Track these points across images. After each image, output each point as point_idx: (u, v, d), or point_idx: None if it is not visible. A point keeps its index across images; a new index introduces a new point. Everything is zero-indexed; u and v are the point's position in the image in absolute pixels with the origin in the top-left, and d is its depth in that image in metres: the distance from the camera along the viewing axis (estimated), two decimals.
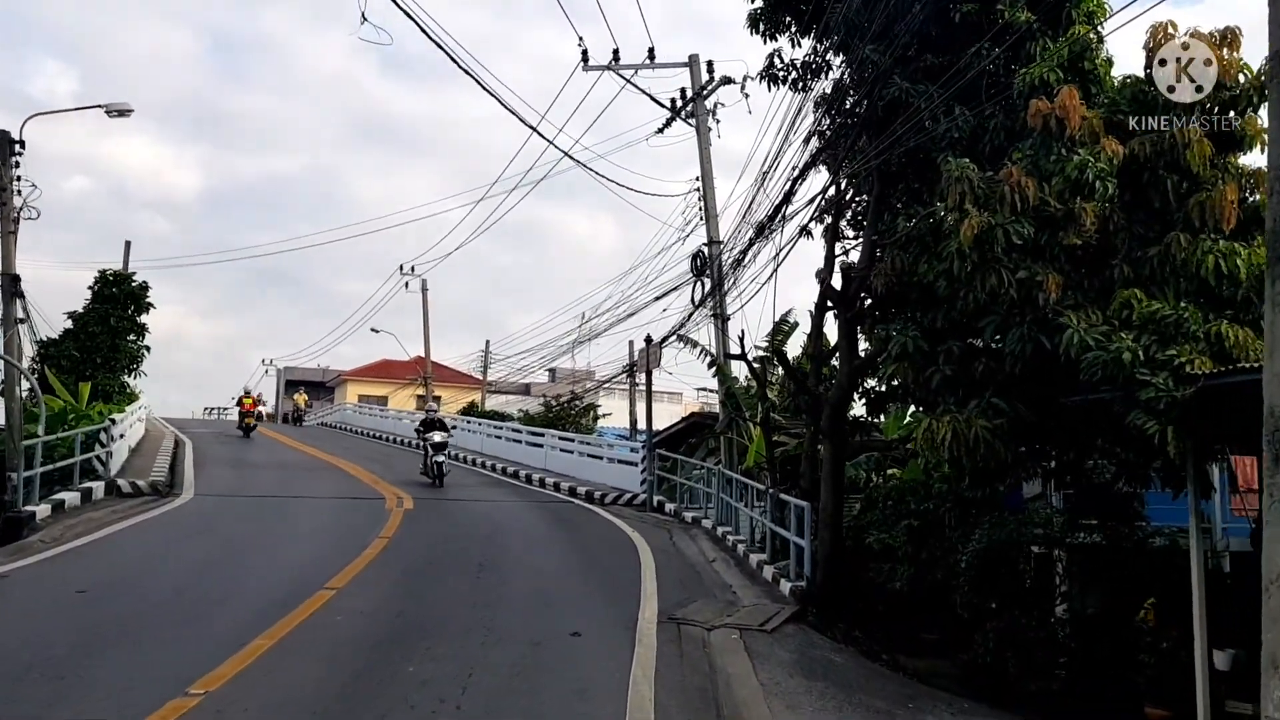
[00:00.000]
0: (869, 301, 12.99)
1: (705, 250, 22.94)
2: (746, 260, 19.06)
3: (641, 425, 35.35)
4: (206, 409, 66.88)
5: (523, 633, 9.43)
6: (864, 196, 13.80)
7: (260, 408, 39.63)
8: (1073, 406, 11.18)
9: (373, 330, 51.56)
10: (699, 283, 22.75)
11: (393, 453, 33.41)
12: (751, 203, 17.58)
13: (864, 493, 17.14)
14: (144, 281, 27.08)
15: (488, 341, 53.51)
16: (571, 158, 36.15)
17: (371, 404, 53.89)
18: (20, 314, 17.35)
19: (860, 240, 13.76)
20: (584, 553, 14.79)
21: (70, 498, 16.47)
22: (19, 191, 17.23)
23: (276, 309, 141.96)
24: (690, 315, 21.05)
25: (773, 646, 9.86)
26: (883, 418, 17.74)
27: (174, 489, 19.29)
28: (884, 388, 14.38)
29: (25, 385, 17.52)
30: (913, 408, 14.96)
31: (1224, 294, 9.51)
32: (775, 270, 15.50)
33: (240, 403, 34.38)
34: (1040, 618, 12.23)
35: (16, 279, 17.29)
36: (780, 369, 20.38)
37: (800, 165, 14.21)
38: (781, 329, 23.19)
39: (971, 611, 12.43)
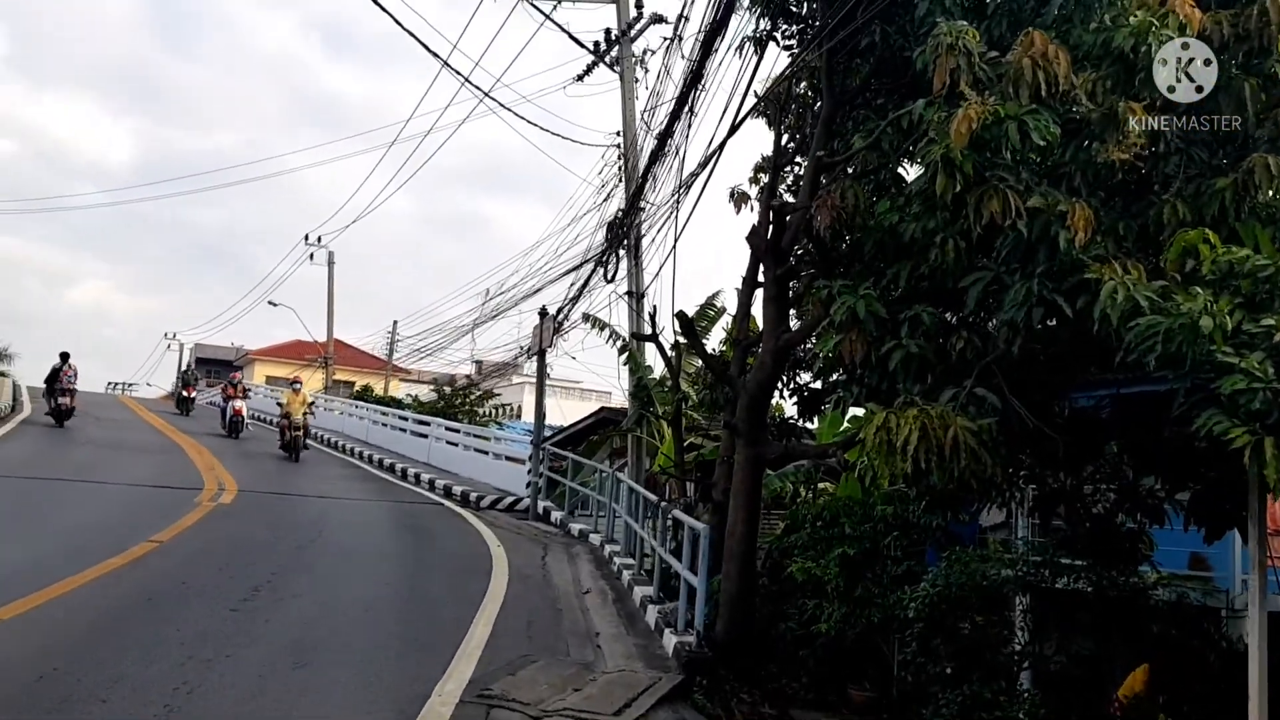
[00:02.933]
0: (806, 251, 9.67)
1: (622, 216, 19.53)
2: (666, 226, 15.71)
3: (549, 419, 31.92)
4: (109, 384, 63.07)
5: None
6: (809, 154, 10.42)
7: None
8: (1080, 408, 8.09)
9: (270, 304, 47.16)
10: (613, 255, 19.34)
11: (269, 435, 29.66)
12: (678, 155, 14.21)
13: (789, 509, 13.82)
14: None
15: (395, 322, 49.21)
16: (483, 94, 32.55)
17: (279, 384, 49.59)
18: None
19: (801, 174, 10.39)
20: (416, 574, 11.23)
21: None
22: None
23: (210, 288, 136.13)
24: (585, 283, 17.57)
25: None
26: (817, 421, 14.41)
27: None
28: (819, 383, 11.13)
29: None
30: (855, 409, 11.78)
31: None
32: (682, 224, 11.99)
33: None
34: (1007, 686, 9.22)
35: None
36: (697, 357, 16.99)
37: (736, 114, 10.71)
38: (707, 313, 19.82)
39: (918, 673, 9.38)
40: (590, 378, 35.67)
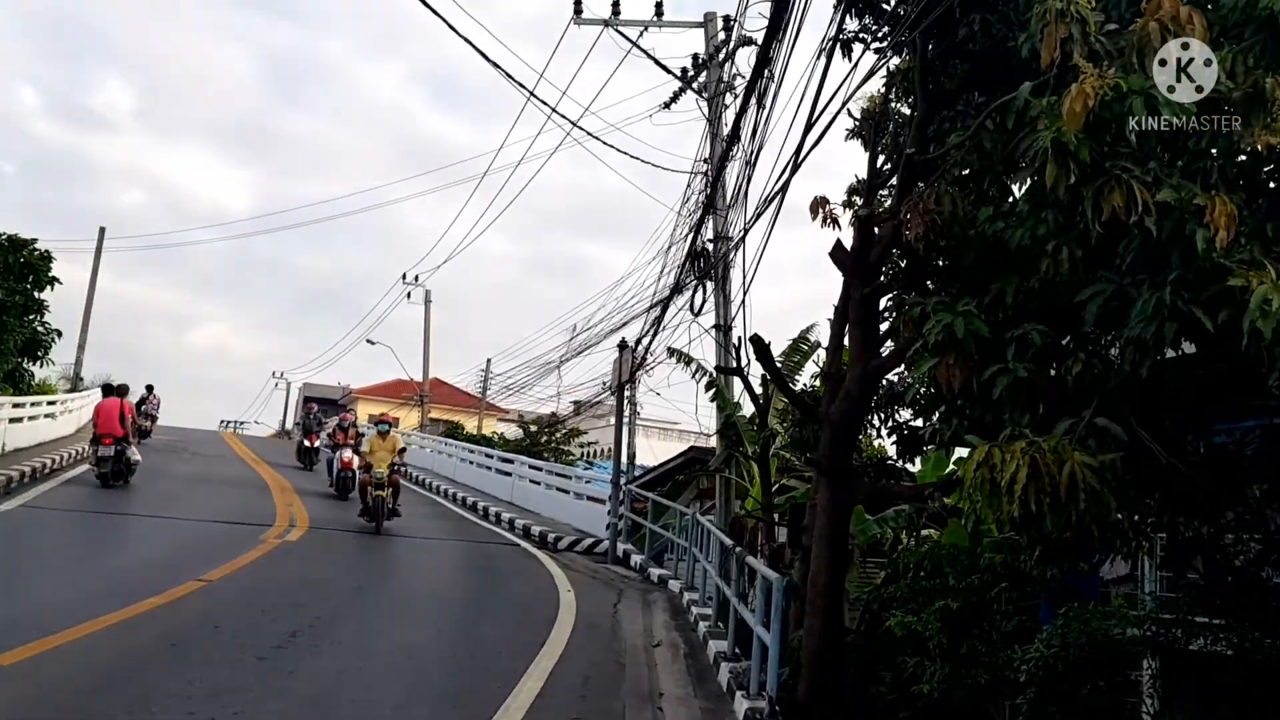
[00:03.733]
0: (897, 267, 8.69)
1: (710, 247, 18.72)
2: (757, 255, 14.82)
3: (640, 459, 31.10)
4: (222, 421, 64.29)
5: None
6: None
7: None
8: (1221, 443, 6.93)
9: (369, 342, 47.39)
10: (699, 287, 18.54)
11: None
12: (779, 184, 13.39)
13: (889, 558, 12.68)
14: (45, 250, 22.85)
15: (489, 360, 49.07)
16: (572, 124, 32.18)
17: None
18: None
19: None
20: (474, 620, 10.45)
21: None
22: None
23: (322, 329, 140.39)
24: (662, 313, 16.71)
25: None
26: (919, 463, 13.27)
27: None
28: (920, 420, 10.11)
29: None
30: (961, 451, 10.72)
31: None
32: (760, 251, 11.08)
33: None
34: None
35: None
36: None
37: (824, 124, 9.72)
38: (800, 347, 18.78)
39: None
40: (685, 418, 34.77)
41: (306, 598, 10.40)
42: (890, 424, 10.47)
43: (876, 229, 8.45)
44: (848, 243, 8.82)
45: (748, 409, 17.84)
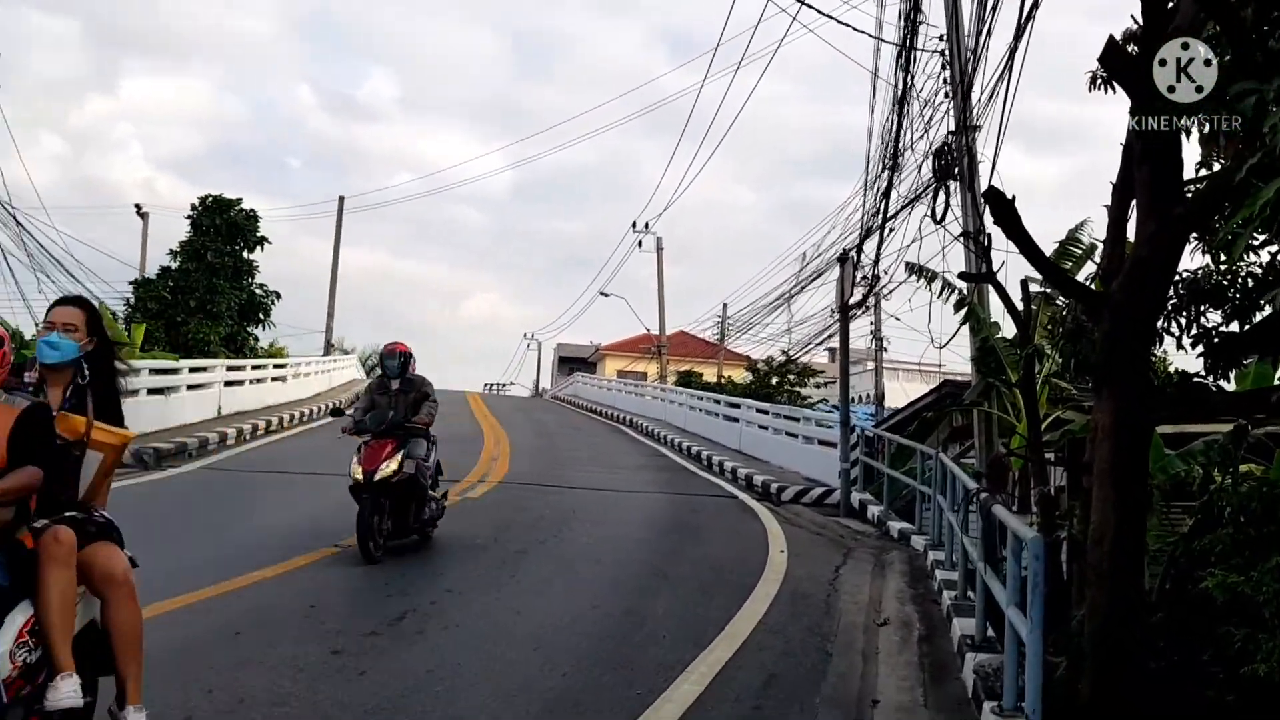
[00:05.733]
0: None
1: (951, 142, 15.68)
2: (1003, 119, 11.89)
3: (889, 400, 28.09)
4: (485, 384, 66.14)
5: None
6: None
7: None
8: None
9: (602, 294, 46.39)
10: (941, 189, 15.54)
11: (575, 421, 28.61)
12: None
13: (1199, 501, 9.54)
14: (251, 210, 22.49)
15: (724, 305, 46.81)
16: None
17: (628, 379, 49.50)
18: None
19: None
20: (649, 590, 8.31)
21: None
22: None
23: (578, 291, 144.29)
24: (881, 214, 13.86)
25: None
26: (1233, 382, 9.94)
27: (180, 458, 14.59)
28: (1236, 324, 7.21)
29: None
30: None
31: None
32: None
33: None
34: None
35: None
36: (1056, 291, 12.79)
37: None
38: (1070, 250, 15.40)
39: None
40: (948, 359, 31.23)
41: (447, 566, 8.66)
42: (1194, 331, 7.44)
43: None
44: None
45: (1009, 331, 14.81)
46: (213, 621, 6.42)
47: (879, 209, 15.49)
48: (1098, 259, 13.75)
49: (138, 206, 36.04)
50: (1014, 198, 6.85)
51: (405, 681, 5.52)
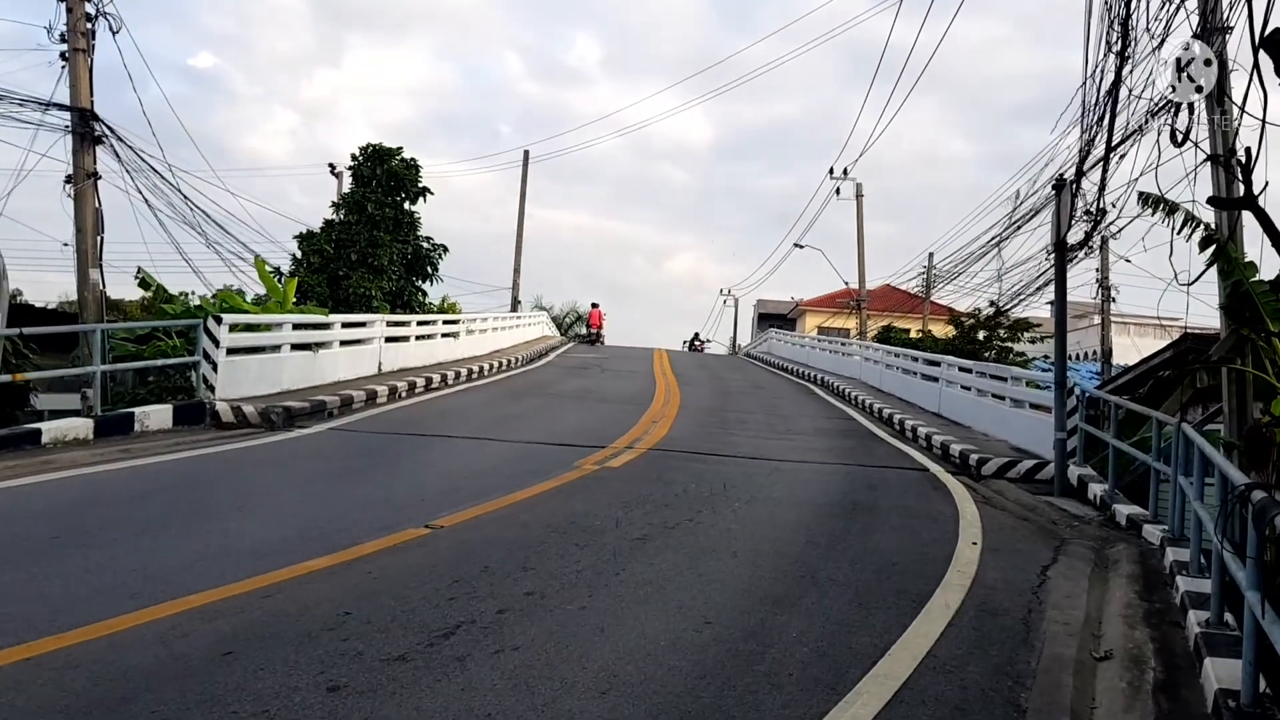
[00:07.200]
0: None
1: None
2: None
3: (1117, 356, 24.94)
4: (683, 342, 65.84)
5: None
6: None
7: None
8: None
9: (796, 245, 44.02)
10: (1183, 110, 12.76)
11: (760, 380, 26.68)
12: None
13: None
14: (411, 159, 21.41)
15: (930, 255, 43.54)
16: None
17: (831, 335, 47.28)
18: (92, 165, 12.45)
19: None
20: (787, 599, 6.45)
21: (64, 427, 11.11)
22: None
23: (781, 248, 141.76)
24: (1110, 132, 11.23)
25: None
26: None
27: (316, 418, 13.70)
28: None
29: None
30: None
31: None
32: None
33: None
34: None
35: (89, 115, 12.33)
36: None
37: None
38: None
39: None
40: (1193, 309, 27.40)
41: (546, 554, 7.10)
42: None
43: None
44: None
45: (1269, 272, 12.02)
46: (206, 635, 5.07)
47: (1105, 126, 12.85)
48: None
49: (331, 166, 36.34)
50: None
51: None
